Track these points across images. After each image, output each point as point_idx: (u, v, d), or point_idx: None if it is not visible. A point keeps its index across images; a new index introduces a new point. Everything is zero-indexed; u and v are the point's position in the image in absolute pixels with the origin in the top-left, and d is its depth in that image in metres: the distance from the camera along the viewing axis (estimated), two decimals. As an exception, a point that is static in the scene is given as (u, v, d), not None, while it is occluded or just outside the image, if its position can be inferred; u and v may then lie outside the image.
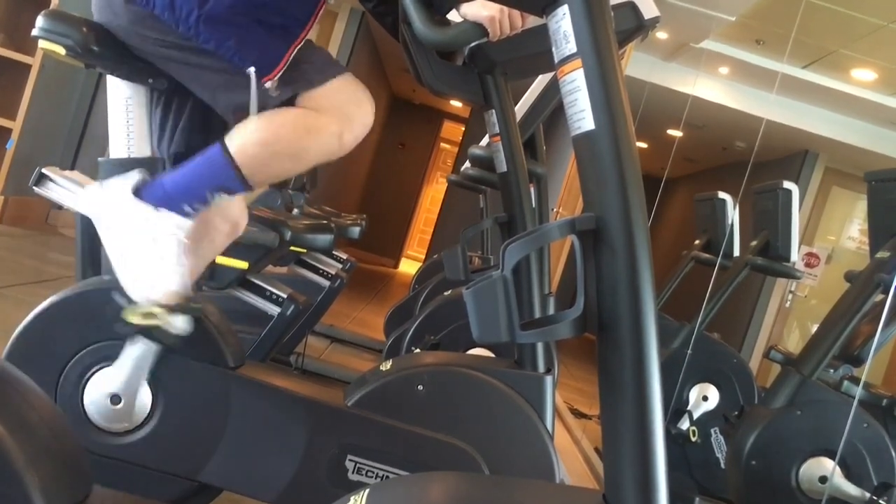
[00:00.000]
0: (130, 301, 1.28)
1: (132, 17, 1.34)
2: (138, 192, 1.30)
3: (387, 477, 1.38)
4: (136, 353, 1.31)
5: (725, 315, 3.21)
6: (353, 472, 1.38)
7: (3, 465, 0.79)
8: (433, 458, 1.38)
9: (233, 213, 1.53)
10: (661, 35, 4.79)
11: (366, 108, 1.38)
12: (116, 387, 1.33)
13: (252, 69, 1.31)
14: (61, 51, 1.35)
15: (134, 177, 1.31)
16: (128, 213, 1.28)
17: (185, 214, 1.30)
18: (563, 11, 0.72)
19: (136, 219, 1.28)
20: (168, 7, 1.31)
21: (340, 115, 1.34)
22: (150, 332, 1.27)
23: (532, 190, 1.80)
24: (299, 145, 1.33)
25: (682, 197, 6.06)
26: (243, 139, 1.31)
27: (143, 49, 1.37)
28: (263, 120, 1.32)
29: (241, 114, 1.34)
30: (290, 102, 1.34)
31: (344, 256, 2.98)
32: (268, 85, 1.31)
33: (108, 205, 1.30)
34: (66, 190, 1.36)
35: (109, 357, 1.34)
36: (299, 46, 1.36)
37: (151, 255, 1.28)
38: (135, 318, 1.26)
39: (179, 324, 1.28)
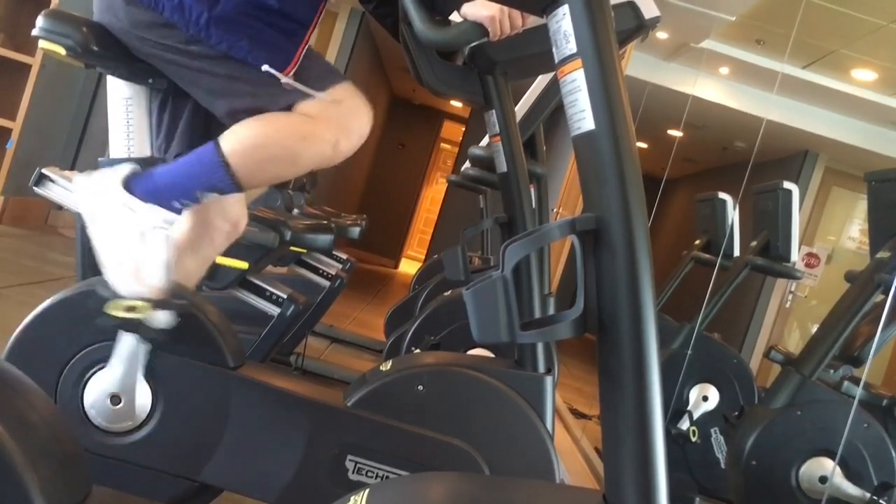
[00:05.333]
0: (115, 295, 1.27)
1: (134, 20, 1.34)
2: (128, 183, 1.28)
3: (387, 477, 1.38)
4: (126, 349, 1.31)
5: (725, 315, 3.21)
6: (353, 472, 1.38)
7: (3, 465, 0.79)
8: (433, 458, 1.38)
9: (233, 213, 1.52)
10: (662, 35, 4.79)
11: (363, 118, 1.38)
12: (115, 386, 1.33)
13: (266, 66, 1.31)
14: (61, 51, 1.35)
15: (125, 168, 1.30)
16: (116, 204, 1.27)
17: (174, 210, 1.30)
18: (564, 11, 0.72)
19: (123, 210, 1.27)
20: (177, 10, 1.30)
21: (337, 124, 1.34)
22: (132, 326, 1.26)
23: (532, 190, 1.80)
24: (293, 150, 1.33)
25: (682, 197, 6.06)
26: (238, 140, 1.30)
27: (143, 51, 1.37)
28: (259, 123, 1.32)
29: (240, 118, 1.34)
30: (288, 108, 1.34)
31: (344, 257, 2.98)
32: (285, 80, 1.31)
33: (96, 195, 1.28)
34: (65, 190, 1.37)
35: (109, 357, 1.34)
36: (305, 49, 1.36)
37: (137, 248, 1.26)
38: (117, 312, 1.24)
39: (162, 318, 1.26)
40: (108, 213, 1.27)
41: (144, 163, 1.42)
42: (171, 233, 1.29)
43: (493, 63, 1.47)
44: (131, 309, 1.25)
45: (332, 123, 1.33)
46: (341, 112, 1.35)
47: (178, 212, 1.30)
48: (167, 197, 1.29)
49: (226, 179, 1.29)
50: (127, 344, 1.31)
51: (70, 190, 1.36)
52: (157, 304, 1.26)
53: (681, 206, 5.92)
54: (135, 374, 1.33)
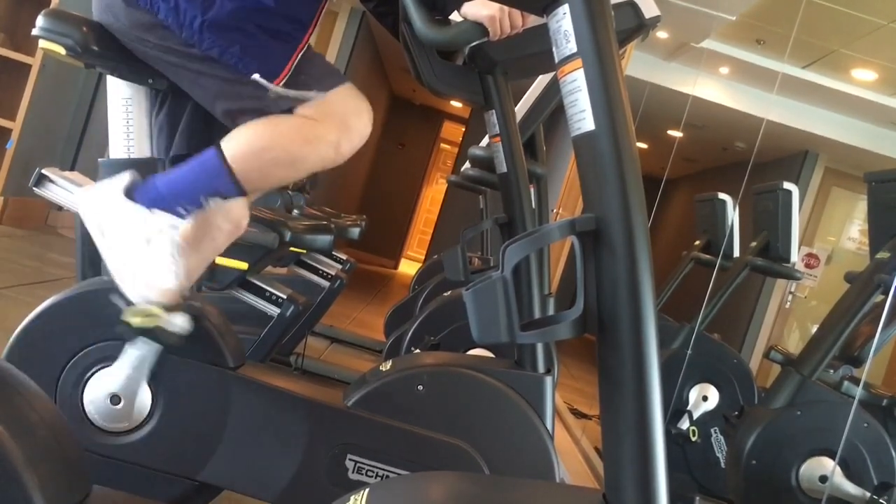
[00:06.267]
0: (129, 302, 1.28)
1: (133, 21, 1.34)
2: (130, 193, 1.28)
3: (387, 477, 1.38)
4: (136, 354, 1.31)
5: (725, 315, 3.21)
6: (353, 472, 1.38)
7: (3, 465, 0.79)
8: (433, 458, 1.38)
9: (235, 213, 1.52)
10: (662, 35, 4.79)
11: (364, 119, 1.38)
12: (116, 387, 1.33)
13: (257, 75, 1.31)
14: (61, 50, 1.35)
15: (125, 178, 1.30)
16: (121, 214, 1.27)
17: (179, 216, 1.30)
18: (564, 11, 0.72)
19: (129, 220, 1.27)
20: (172, 12, 1.30)
21: (339, 125, 1.34)
22: (151, 333, 1.27)
23: (532, 190, 1.80)
24: (296, 154, 1.33)
25: (682, 197, 6.06)
26: (240, 144, 1.30)
27: (143, 52, 1.37)
28: (261, 126, 1.32)
29: (239, 120, 1.33)
30: (288, 111, 1.34)
31: (344, 257, 2.98)
32: (275, 90, 1.31)
33: (100, 206, 1.29)
34: (65, 191, 1.36)
35: (109, 357, 1.34)
36: (302, 51, 1.36)
37: (146, 255, 1.27)
38: (135, 320, 1.25)
39: (179, 322, 1.28)
40: (114, 224, 1.27)
41: (144, 165, 1.42)
42: (178, 236, 1.29)
43: (493, 63, 1.47)
44: (148, 315, 1.25)
45: (334, 125, 1.33)
46: (342, 113, 1.35)
47: (183, 217, 1.30)
48: (172, 203, 1.29)
49: (229, 184, 1.29)
50: (139, 349, 1.31)
51: (70, 191, 1.36)
52: (172, 308, 1.27)
53: (681, 206, 5.93)
54: (140, 380, 1.33)
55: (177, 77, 1.39)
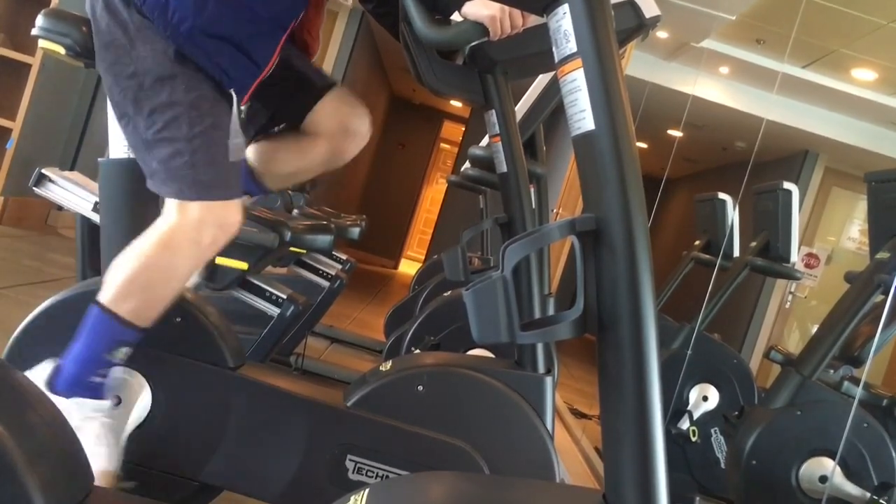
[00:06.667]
0: None
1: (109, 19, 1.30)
2: (52, 385, 1.24)
3: (387, 477, 1.38)
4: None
5: (725, 315, 3.21)
6: (353, 472, 1.38)
7: (3, 465, 0.79)
8: (433, 458, 1.38)
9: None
10: (662, 34, 4.79)
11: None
12: (116, 387, 1.33)
13: (232, 91, 1.32)
14: (61, 50, 1.35)
15: (46, 369, 1.26)
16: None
17: (97, 390, 1.26)
18: (564, 10, 0.72)
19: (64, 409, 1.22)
20: (160, 9, 1.27)
21: (191, 221, 1.27)
22: None
23: (532, 190, 1.80)
24: (164, 265, 1.27)
25: (682, 197, 6.06)
26: (110, 286, 1.26)
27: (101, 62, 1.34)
28: (122, 257, 1.28)
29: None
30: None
31: (344, 257, 2.98)
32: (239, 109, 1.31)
33: None
34: (65, 191, 1.36)
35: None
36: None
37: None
38: None
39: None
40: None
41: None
42: (104, 418, 1.25)
43: (493, 63, 1.47)
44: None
45: (188, 222, 1.27)
46: (191, 212, 1.28)
47: (101, 387, 1.26)
48: (85, 377, 1.25)
49: (123, 329, 1.25)
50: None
51: (70, 191, 1.36)
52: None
53: (681, 206, 5.93)
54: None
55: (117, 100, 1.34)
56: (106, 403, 1.27)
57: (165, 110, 1.27)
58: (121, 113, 1.32)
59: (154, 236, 1.27)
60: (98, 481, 1.20)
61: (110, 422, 1.26)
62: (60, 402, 1.22)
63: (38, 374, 1.26)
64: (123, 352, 1.27)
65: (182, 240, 1.27)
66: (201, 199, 1.27)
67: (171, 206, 1.28)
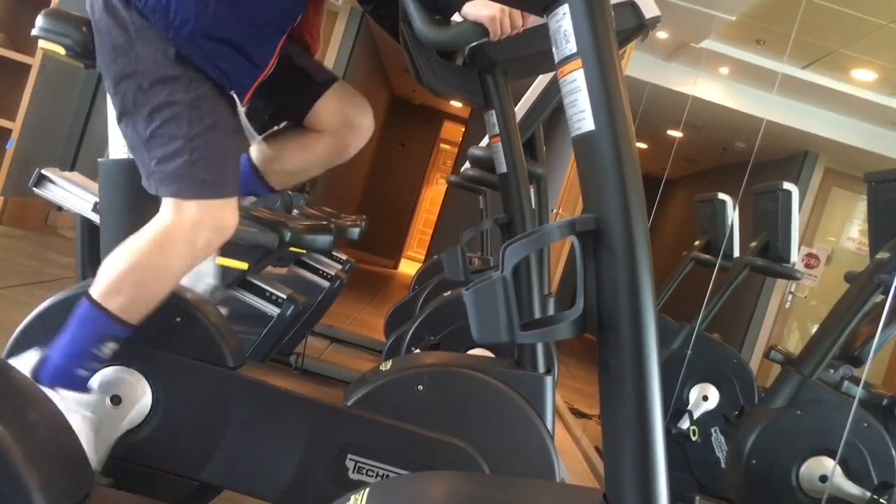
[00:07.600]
0: None
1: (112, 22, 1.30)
2: (37, 376, 1.24)
3: (387, 476, 1.38)
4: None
5: (725, 315, 3.21)
6: (353, 472, 1.38)
7: (3, 465, 0.79)
8: (433, 458, 1.38)
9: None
10: (662, 35, 4.79)
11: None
12: (116, 387, 1.33)
13: (233, 93, 1.32)
14: (61, 50, 1.35)
15: (31, 358, 1.26)
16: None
17: (82, 383, 1.26)
18: (564, 11, 0.72)
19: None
20: (162, 11, 1.27)
21: (188, 217, 1.27)
22: None
23: (532, 191, 1.80)
24: (160, 264, 1.27)
25: (682, 197, 6.06)
26: (103, 281, 1.26)
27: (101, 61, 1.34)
28: (116, 253, 1.28)
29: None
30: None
31: (343, 257, 2.98)
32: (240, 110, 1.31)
33: None
34: (65, 191, 1.36)
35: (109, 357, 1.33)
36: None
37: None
38: None
39: None
40: None
41: None
42: (87, 412, 1.25)
43: (493, 63, 1.47)
44: None
45: (184, 222, 1.27)
46: (188, 211, 1.28)
47: (87, 381, 1.27)
48: (70, 370, 1.25)
49: (112, 324, 1.25)
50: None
51: (70, 191, 1.36)
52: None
53: (681, 207, 5.92)
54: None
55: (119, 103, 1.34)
56: (89, 398, 1.27)
57: (165, 110, 1.27)
58: (120, 113, 1.32)
59: (149, 234, 1.28)
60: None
61: (92, 416, 1.26)
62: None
63: (23, 363, 1.25)
64: (110, 347, 1.27)
65: (177, 240, 1.27)
66: (199, 198, 1.27)
67: (167, 205, 1.28)
